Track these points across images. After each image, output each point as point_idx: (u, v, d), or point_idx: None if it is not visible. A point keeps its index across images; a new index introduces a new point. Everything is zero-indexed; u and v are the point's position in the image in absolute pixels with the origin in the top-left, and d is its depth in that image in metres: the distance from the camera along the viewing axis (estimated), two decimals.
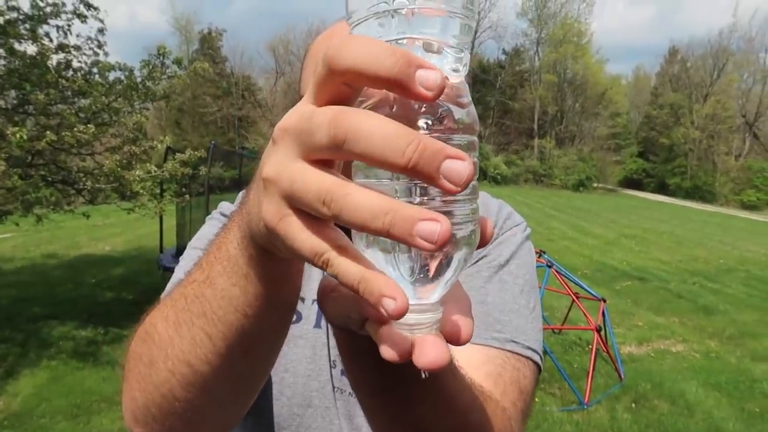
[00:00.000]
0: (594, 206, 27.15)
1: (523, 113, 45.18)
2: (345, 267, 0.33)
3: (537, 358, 0.80)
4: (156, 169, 6.24)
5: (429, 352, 0.35)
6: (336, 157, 0.33)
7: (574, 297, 5.36)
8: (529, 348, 0.79)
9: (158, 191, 6.78)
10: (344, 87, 0.33)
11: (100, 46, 6.45)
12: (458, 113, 0.35)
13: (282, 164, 0.35)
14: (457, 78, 0.35)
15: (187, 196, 7.06)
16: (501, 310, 0.81)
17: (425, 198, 0.34)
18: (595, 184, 41.85)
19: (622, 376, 5.23)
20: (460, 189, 0.30)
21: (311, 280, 0.88)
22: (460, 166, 0.30)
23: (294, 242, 0.35)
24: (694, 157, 43.61)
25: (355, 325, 0.41)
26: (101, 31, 6.46)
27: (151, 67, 6.47)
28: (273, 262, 0.42)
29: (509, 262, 0.87)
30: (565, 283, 5.51)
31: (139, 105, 6.73)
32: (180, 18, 44.39)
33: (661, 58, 51.22)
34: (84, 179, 6.20)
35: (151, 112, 8.07)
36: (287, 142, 0.35)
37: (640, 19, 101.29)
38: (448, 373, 0.52)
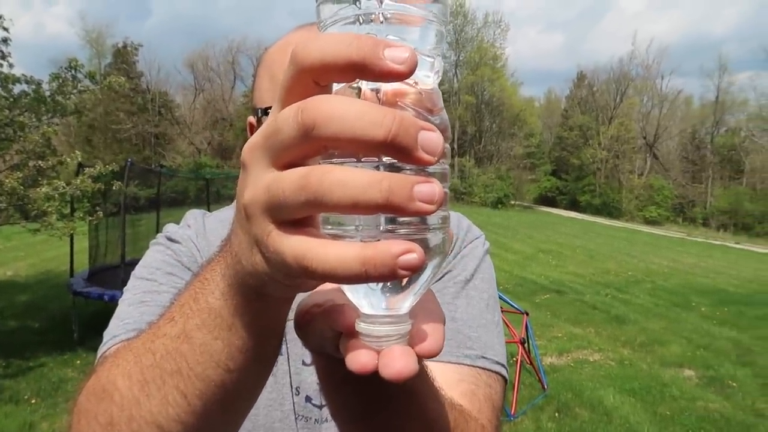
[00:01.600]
0: (512, 222, 28.18)
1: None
2: (336, 254, 0.30)
3: (504, 372, 0.81)
4: (65, 185, 5.86)
5: (395, 363, 0.33)
6: (308, 149, 0.32)
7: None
8: (497, 363, 0.79)
9: (68, 210, 6.38)
10: (314, 85, 0.32)
11: (3, 57, 6.04)
12: (430, 119, 0.34)
13: (254, 183, 0.33)
14: (429, 84, 0.35)
15: (100, 213, 6.67)
16: (470, 326, 0.81)
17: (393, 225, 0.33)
18: (512, 202, 43.49)
19: (546, 387, 5.41)
20: (436, 159, 0.30)
21: None
22: (434, 136, 0.30)
23: (283, 255, 0.32)
24: (601, 175, 46.40)
25: (331, 347, 0.40)
26: (5, 40, 6.06)
27: (61, 80, 6.13)
28: (262, 308, 0.41)
29: (474, 276, 0.87)
30: None
31: (47, 119, 6.33)
32: (91, 31, 42.54)
33: (570, 82, 54.44)
34: None
35: (60, 128, 7.60)
36: (256, 157, 0.34)
37: (551, 45, 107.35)
38: (429, 395, 0.51)
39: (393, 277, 0.30)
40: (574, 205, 46.39)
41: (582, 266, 14.41)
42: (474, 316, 0.83)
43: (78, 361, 5.81)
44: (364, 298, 0.35)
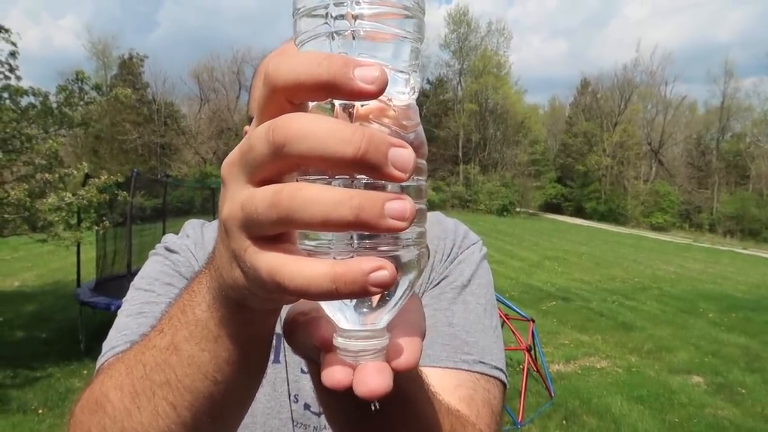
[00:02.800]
0: (517, 230, 28.13)
1: (448, 141, 46.46)
2: (307, 271, 0.31)
3: (503, 377, 0.80)
4: (71, 195, 5.89)
5: (369, 381, 0.34)
6: (281, 166, 0.32)
7: (505, 318, 5.48)
8: (495, 368, 0.79)
9: (75, 220, 6.42)
10: (288, 104, 0.33)
11: (11, 70, 6.09)
12: (404, 135, 0.34)
13: (232, 199, 0.34)
14: (404, 100, 0.35)
15: (107, 223, 6.70)
16: (467, 332, 0.81)
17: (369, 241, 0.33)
18: (517, 209, 43.44)
19: (553, 394, 5.38)
20: (407, 176, 0.30)
21: None
22: (405, 153, 0.30)
23: (258, 271, 0.33)
24: (607, 182, 46.29)
25: (316, 355, 0.40)
26: (13, 54, 6.12)
27: (68, 92, 6.18)
28: (246, 320, 0.41)
29: (470, 282, 0.87)
30: None
31: (54, 131, 6.38)
32: (97, 43, 42.88)
33: (574, 89, 54.46)
34: None
35: (66, 140, 7.66)
36: (233, 174, 0.34)
37: (555, 53, 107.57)
38: (424, 401, 0.51)
39: (364, 294, 0.30)
40: (579, 212, 46.28)
41: (588, 273, 14.34)
42: (471, 321, 0.82)
43: (85, 371, 5.82)
44: (339, 312, 0.36)
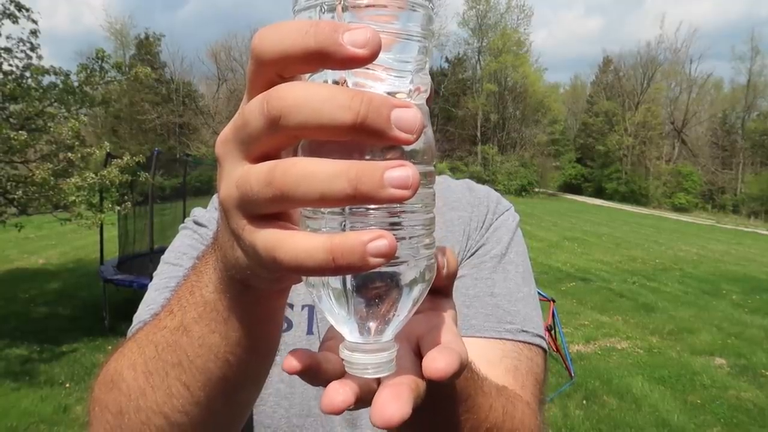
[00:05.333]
0: (536, 210, 27.91)
1: (467, 120, 46.06)
2: (303, 244, 0.29)
3: (544, 343, 0.82)
4: (93, 176, 5.95)
5: (385, 411, 0.33)
6: (278, 140, 0.30)
7: None
8: (537, 335, 0.80)
9: (97, 200, 6.49)
10: (277, 78, 0.31)
11: (33, 49, 6.13)
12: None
13: (228, 177, 0.33)
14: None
15: (129, 203, 6.78)
16: (509, 301, 0.82)
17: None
18: (536, 189, 43.08)
19: (573, 375, 5.36)
20: (414, 138, 0.28)
21: (298, 284, 0.84)
22: (410, 112, 0.28)
23: (256, 249, 0.31)
24: (628, 162, 45.63)
25: None
26: (34, 33, 6.15)
27: (89, 71, 6.20)
28: (254, 300, 0.40)
29: (508, 250, 0.87)
30: None
31: (76, 110, 6.42)
32: (114, 22, 43.01)
33: (596, 67, 53.48)
34: (15, 188, 5.86)
35: (87, 119, 7.72)
36: (228, 151, 0.33)
37: (579, 30, 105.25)
38: (477, 392, 0.51)
39: (363, 266, 0.28)
40: (599, 193, 45.75)
41: (608, 254, 14.21)
42: (512, 290, 0.83)
43: (109, 347, 5.93)
44: (344, 325, 0.35)
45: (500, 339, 0.77)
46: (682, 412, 4.79)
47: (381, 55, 0.29)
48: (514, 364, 0.75)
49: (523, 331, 0.79)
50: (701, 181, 43.62)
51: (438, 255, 0.38)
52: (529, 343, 0.79)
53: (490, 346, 0.76)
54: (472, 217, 0.89)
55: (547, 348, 0.83)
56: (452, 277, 0.42)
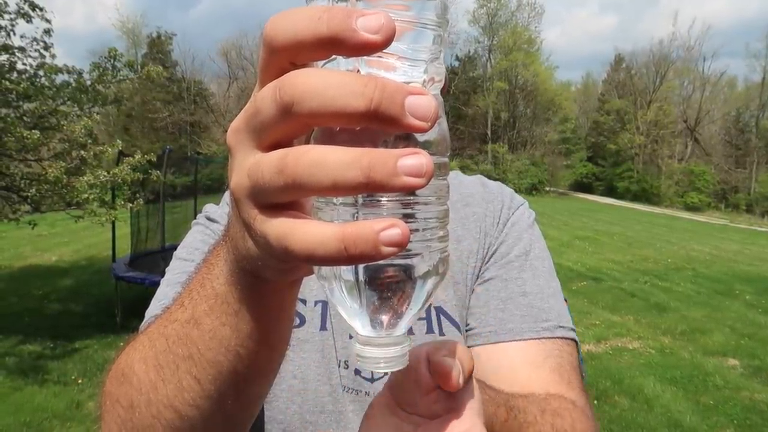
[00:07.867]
0: (547, 209, 27.77)
1: (477, 119, 45.91)
2: (314, 232, 0.29)
3: (576, 336, 0.83)
4: (106, 174, 6.00)
5: None
6: (290, 128, 0.30)
7: None
8: (572, 329, 0.81)
9: (109, 197, 6.54)
10: (289, 66, 0.30)
11: (46, 48, 6.19)
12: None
13: (239, 167, 0.32)
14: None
15: (141, 200, 6.83)
16: (541, 298, 0.82)
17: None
18: (547, 188, 42.88)
19: (584, 374, 5.32)
20: (429, 125, 0.28)
21: (311, 280, 0.84)
22: (424, 99, 0.27)
23: (267, 238, 0.31)
24: (639, 161, 45.30)
25: None
26: (47, 32, 6.20)
27: (101, 70, 6.25)
28: (265, 292, 0.40)
29: (532, 246, 0.88)
30: None
31: (88, 108, 6.48)
32: (126, 21, 43.30)
33: (608, 65, 53.08)
34: (29, 186, 5.92)
35: (99, 118, 7.79)
36: (239, 140, 0.32)
37: (592, 28, 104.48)
38: (529, 426, 0.53)
39: (376, 255, 0.28)
40: (611, 192, 45.43)
41: (620, 253, 14.11)
42: (542, 286, 0.84)
43: (121, 344, 5.90)
44: (356, 318, 0.34)
45: (539, 339, 0.78)
46: (694, 413, 4.74)
47: (394, 44, 0.28)
48: (557, 362, 0.76)
49: (560, 327, 0.80)
50: (714, 180, 43.17)
51: (448, 359, 0.40)
52: (566, 339, 0.80)
53: (531, 348, 0.77)
54: (487, 213, 0.89)
55: (578, 341, 0.84)
56: (469, 377, 0.42)
